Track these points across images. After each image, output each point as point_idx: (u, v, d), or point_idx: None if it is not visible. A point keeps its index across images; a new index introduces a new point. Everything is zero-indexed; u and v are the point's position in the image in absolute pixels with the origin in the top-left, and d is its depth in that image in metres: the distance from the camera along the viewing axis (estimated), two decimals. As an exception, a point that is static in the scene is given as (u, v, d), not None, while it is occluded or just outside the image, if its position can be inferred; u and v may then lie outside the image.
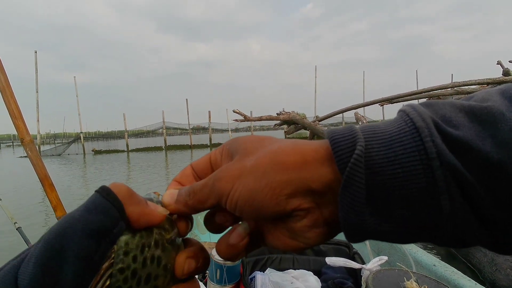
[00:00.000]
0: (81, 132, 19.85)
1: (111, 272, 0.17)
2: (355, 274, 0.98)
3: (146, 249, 0.19)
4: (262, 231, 0.23)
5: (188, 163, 0.26)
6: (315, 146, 0.20)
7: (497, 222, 0.17)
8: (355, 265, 0.80)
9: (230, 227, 0.24)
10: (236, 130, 26.00)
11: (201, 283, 0.90)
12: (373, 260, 0.78)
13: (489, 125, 0.17)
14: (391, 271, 0.68)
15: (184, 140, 22.09)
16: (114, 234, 0.18)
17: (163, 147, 19.78)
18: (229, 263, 0.88)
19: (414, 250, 1.09)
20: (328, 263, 0.81)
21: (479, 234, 0.17)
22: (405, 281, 0.61)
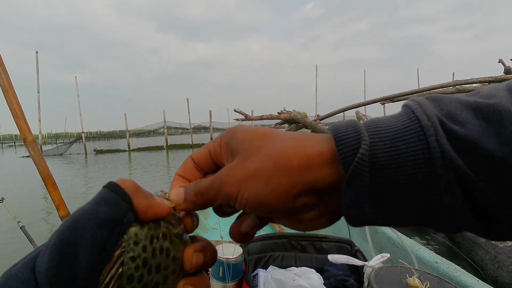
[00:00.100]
0: (82, 132, 19.89)
1: (122, 260, 0.18)
2: (357, 271, 0.98)
3: (155, 240, 0.20)
4: (272, 218, 0.25)
5: None
6: (319, 147, 0.20)
7: (502, 220, 0.17)
8: (357, 262, 0.80)
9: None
10: (237, 129, 25.85)
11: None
12: (375, 257, 0.78)
13: (495, 122, 0.17)
14: (393, 268, 0.68)
15: (185, 139, 22.09)
16: (124, 223, 0.19)
17: (164, 147, 19.80)
18: (232, 260, 0.89)
19: (416, 248, 1.09)
20: (330, 260, 0.81)
21: (474, 226, 0.18)
22: (407, 278, 0.61)
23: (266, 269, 1.01)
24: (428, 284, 0.59)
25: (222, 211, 0.25)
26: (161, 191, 0.24)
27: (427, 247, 1.10)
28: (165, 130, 21.09)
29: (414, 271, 0.64)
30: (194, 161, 0.25)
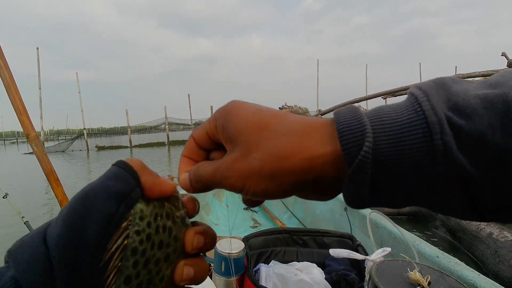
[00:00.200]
0: (84, 129, 19.93)
1: (128, 233, 0.19)
2: (358, 266, 0.99)
3: (159, 218, 0.21)
4: None
5: None
6: (322, 149, 0.20)
7: (496, 210, 0.18)
8: (358, 256, 0.80)
9: None
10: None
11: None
12: (377, 251, 0.79)
13: (502, 114, 0.17)
14: (394, 262, 0.68)
15: (186, 135, 22.09)
16: (131, 198, 0.20)
17: (165, 143, 19.84)
18: (234, 255, 0.90)
19: (418, 242, 1.09)
20: (332, 254, 0.81)
21: (467, 215, 0.19)
22: (408, 272, 0.62)
23: (268, 264, 1.02)
24: (429, 278, 0.60)
25: None
26: (169, 176, 0.24)
27: (428, 242, 1.10)
28: (167, 126, 21.10)
29: (415, 265, 0.64)
30: (196, 140, 0.25)
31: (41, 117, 17.08)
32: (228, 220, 2.29)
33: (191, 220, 0.25)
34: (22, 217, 1.54)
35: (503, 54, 5.01)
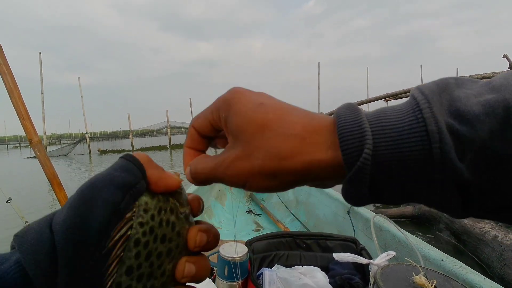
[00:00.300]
0: (86, 133, 20.00)
1: (132, 224, 0.19)
2: (362, 270, 0.98)
3: (163, 212, 0.21)
4: None
5: None
6: (324, 152, 0.20)
7: (499, 211, 0.18)
8: (363, 260, 0.80)
9: None
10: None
11: (209, 280, 0.90)
12: (381, 255, 0.78)
13: (502, 119, 0.17)
14: (399, 266, 0.68)
15: (188, 139, 22.05)
16: (137, 189, 0.20)
17: (167, 146, 19.87)
18: (237, 259, 0.89)
19: (422, 245, 1.08)
20: (336, 258, 0.81)
21: (458, 214, 0.19)
22: (413, 276, 0.61)
23: (271, 268, 1.01)
24: (435, 282, 0.59)
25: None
26: (175, 172, 0.24)
27: (432, 245, 1.09)
28: (168, 130, 21.15)
29: (420, 269, 0.64)
30: (197, 130, 0.25)
31: (44, 122, 17.17)
32: (234, 225, 2.28)
33: (195, 219, 0.25)
34: (26, 222, 1.55)
35: (505, 56, 5.00)
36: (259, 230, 2.30)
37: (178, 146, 19.61)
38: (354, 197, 0.20)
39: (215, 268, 0.97)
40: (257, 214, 2.63)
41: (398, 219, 3.45)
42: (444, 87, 0.19)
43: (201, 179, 0.24)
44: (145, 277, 0.20)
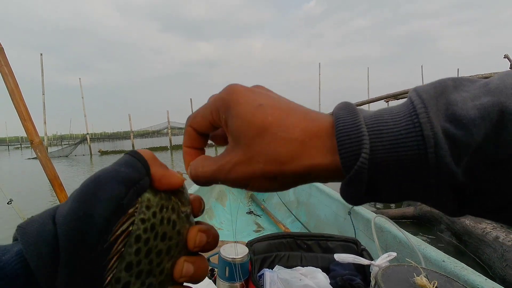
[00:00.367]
0: (87, 133, 20.05)
1: (133, 219, 0.19)
2: (363, 271, 0.98)
3: (164, 210, 0.21)
4: None
5: None
6: (323, 157, 0.20)
7: (499, 211, 0.19)
8: (364, 261, 0.79)
9: None
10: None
11: (210, 281, 0.90)
12: (382, 256, 0.78)
13: (496, 123, 0.17)
14: (400, 267, 0.67)
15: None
16: (140, 185, 0.20)
17: (168, 147, 19.89)
18: (238, 260, 0.89)
19: (423, 246, 1.08)
20: (336, 259, 0.81)
21: (454, 214, 0.20)
22: (414, 277, 0.61)
23: (272, 269, 1.01)
24: (436, 283, 0.59)
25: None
26: (178, 172, 0.25)
27: (433, 246, 1.09)
28: (169, 131, 21.18)
29: (421, 270, 0.64)
30: (195, 129, 0.26)
31: (45, 122, 17.20)
32: (235, 226, 2.28)
33: (196, 219, 0.25)
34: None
35: (506, 57, 4.99)
36: (259, 230, 2.30)
37: (179, 147, 19.61)
38: (352, 197, 0.21)
39: (216, 269, 0.97)
40: (258, 215, 2.63)
41: (399, 220, 3.44)
42: (442, 90, 0.19)
43: (202, 182, 0.25)
44: (144, 274, 0.20)
